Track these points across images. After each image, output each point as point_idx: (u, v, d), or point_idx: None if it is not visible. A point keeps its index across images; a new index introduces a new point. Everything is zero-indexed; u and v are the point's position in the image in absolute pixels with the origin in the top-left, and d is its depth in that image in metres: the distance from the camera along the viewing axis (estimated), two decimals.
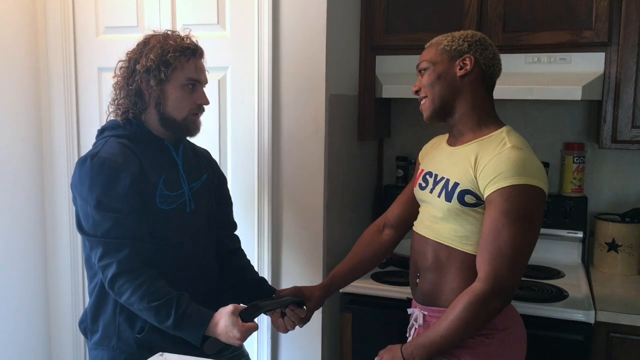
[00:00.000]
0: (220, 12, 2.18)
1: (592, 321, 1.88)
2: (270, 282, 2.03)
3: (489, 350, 1.55)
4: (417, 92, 1.65)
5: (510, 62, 2.14)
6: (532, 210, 1.48)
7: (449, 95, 1.59)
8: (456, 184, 1.55)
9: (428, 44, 1.66)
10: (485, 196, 1.50)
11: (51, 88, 2.46)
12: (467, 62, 1.57)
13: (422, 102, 1.64)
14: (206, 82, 1.68)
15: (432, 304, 1.62)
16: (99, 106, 2.39)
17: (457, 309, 1.47)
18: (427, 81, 1.61)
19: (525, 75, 2.17)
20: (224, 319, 1.51)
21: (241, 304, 1.59)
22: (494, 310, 1.48)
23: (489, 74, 1.60)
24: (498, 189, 1.47)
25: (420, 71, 1.64)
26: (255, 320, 1.59)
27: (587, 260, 2.48)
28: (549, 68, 2.17)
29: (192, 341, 1.51)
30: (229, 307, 1.52)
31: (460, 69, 1.57)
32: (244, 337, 1.51)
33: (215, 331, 1.51)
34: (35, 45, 2.44)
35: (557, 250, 2.45)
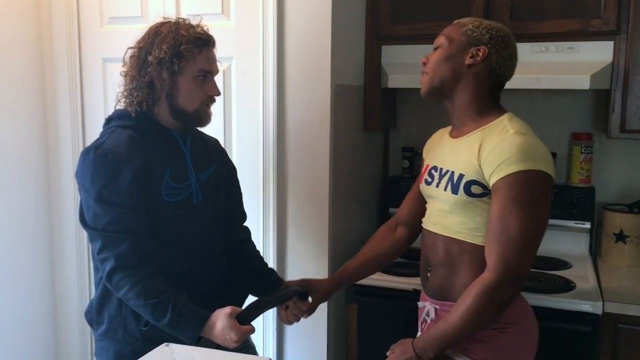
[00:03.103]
0: (224, 1, 2.16)
1: (599, 312, 1.87)
2: None
3: (503, 344, 1.53)
4: (424, 63, 1.62)
5: (518, 52, 2.12)
6: (538, 195, 1.46)
7: (450, 79, 1.56)
8: (461, 176, 1.53)
9: (456, 21, 1.62)
10: (491, 185, 1.48)
11: (56, 79, 2.45)
12: (480, 53, 1.54)
13: (422, 76, 1.62)
14: (217, 72, 1.66)
15: (444, 299, 1.60)
16: (103, 97, 2.38)
17: (468, 300, 1.46)
18: (435, 58, 1.58)
19: (533, 65, 2.15)
20: (220, 321, 1.49)
21: (246, 303, 1.58)
22: (505, 299, 1.46)
23: (497, 72, 1.56)
24: (503, 177, 1.45)
25: (435, 48, 1.61)
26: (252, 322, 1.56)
27: (595, 251, 2.46)
28: (557, 57, 2.15)
29: (186, 341, 1.48)
30: (227, 309, 1.50)
31: (471, 58, 1.55)
32: (241, 339, 1.49)
33: (212, 333, 1.49)
34: (39, 36, 2.43)
35: (565, 241, 2.44)
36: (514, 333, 1.54)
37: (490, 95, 1.58)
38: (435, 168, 1.65)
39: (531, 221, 1.44)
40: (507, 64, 1.57)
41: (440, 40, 1.59)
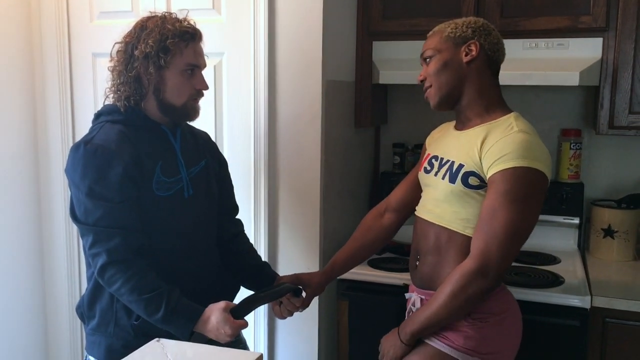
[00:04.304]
0: None
1: (587, 306, 1.89)
2: None
3: (483, 334, 1.55)
4: (422, 81, 1.65)
5: (508, 48, 2.10)
6: (531, 193, 1.48)
7: (456, 82, 1.59)
8: (461, 166, 1.55)
9: (431, 32, 1.65)
10: (488, 177, 1.50)
11: (45, 74, 2.43)
12: (473, 47, 1.57)
13: (427, 91, 1.63)
14: (205, 66, 1.65)
15: (430, 288, 1.62)
16: (93, 92, 2.37)
17: (447, 286, 1.49)
18: (432, 69, 1.60)
19: (523, 61, 2.16)
20: (215, 315, 1.49)
21: (239, 298, 1.58)
22: (482, 289, 1.48)
23: (494, 58, 1.60)
24: (500, 170, 1.47)
25: (425, 59, 1.63)
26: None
27: (583, 246, 2.48)
28: (547, 54, 2.16)
29: (179, 336, 1.48)
30: (221, 304, 1.51)
31: (466, 55, 1.57)
32: (235, 334, 1.50)
33: (205, 327, 1.49)
34: (29, 31, 2.42)
35: (553, 237, 2.46)
36: (494, 323, 1.56)
37: (494, 86, 1.61)
38: (436, 157, 1.67)
39: (520, 217, 1.46)
40: (498, 47, 1.61)
41: (428, 52, 1.62)
